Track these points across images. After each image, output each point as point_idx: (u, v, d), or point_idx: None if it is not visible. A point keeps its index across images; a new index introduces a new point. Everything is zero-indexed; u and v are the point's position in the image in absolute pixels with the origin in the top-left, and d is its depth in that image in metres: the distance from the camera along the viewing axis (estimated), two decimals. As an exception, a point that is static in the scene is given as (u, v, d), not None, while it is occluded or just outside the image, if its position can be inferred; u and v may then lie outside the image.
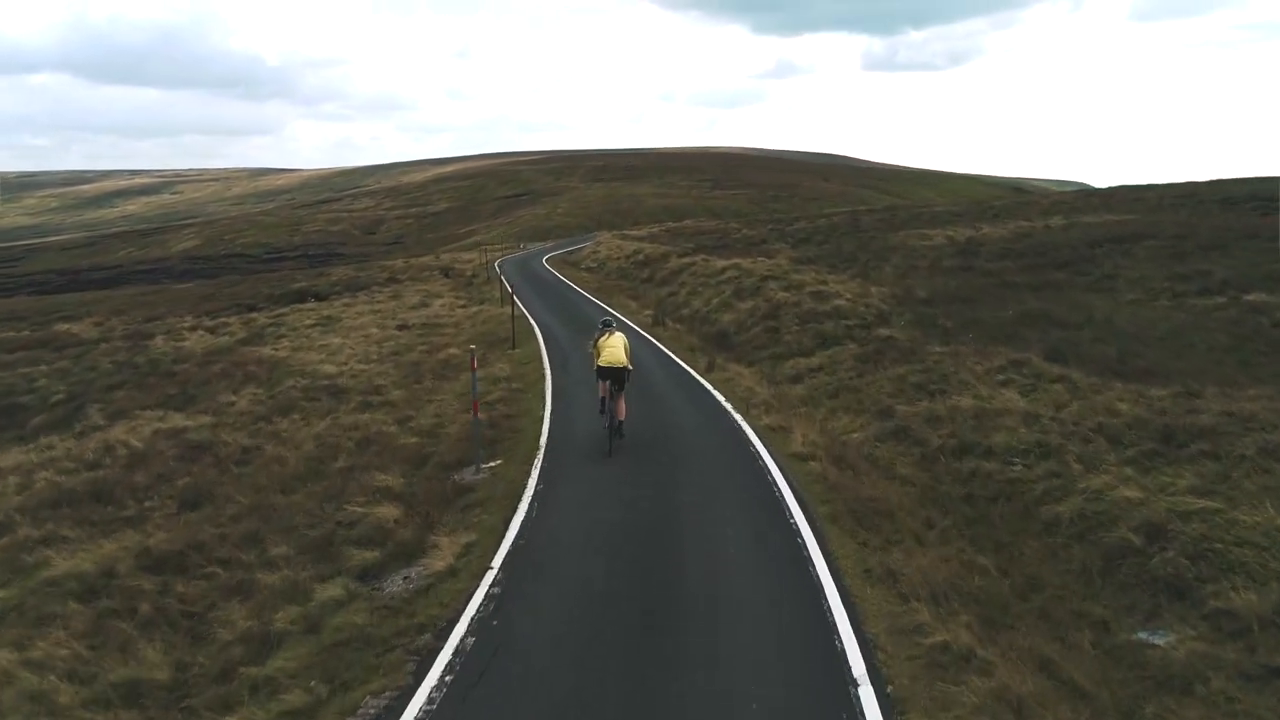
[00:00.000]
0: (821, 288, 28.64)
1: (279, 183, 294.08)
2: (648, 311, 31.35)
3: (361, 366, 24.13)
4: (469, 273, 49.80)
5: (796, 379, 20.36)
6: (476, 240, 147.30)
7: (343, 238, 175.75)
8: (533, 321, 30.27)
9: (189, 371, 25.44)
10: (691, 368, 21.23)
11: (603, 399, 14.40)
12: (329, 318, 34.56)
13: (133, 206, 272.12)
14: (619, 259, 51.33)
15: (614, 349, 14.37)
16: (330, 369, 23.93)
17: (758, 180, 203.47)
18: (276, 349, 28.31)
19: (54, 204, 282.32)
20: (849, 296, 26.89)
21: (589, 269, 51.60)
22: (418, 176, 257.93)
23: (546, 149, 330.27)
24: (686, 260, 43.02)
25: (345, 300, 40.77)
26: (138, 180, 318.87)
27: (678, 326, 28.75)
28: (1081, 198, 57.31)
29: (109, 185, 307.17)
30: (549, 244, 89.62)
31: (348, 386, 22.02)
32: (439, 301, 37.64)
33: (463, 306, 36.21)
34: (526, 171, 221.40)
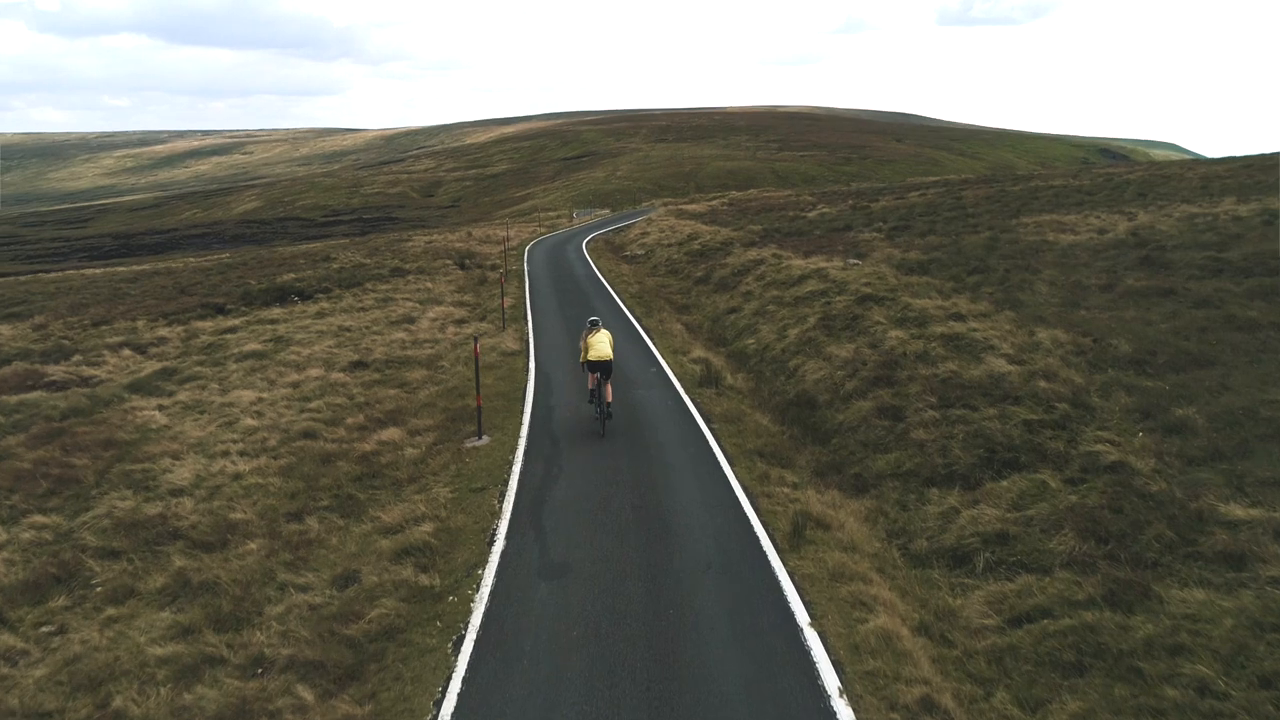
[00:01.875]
0: (956, 326, 18.52)
1: (345, 143, 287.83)
2: (697, 351, 21.47)
3: (239, 465, 14.88)
4: (490, 263, 40.32)
5: (962, 560, 10.49)
6: (532, 204, 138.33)
7: (401, 200, 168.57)
8: (532, 363, 20.68)
9: (7, 453, 16.60)
10: (759, 516, 11.43)
11: (592, 390, 15.27)
12: (279, 340, 25.45)
13: (204, 166, 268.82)
14: (671, 245, 41.38)
15: (600, 345, 15.10)
16: (189, 471, 14.72)
17: (826, 141, 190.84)
18: (164, 405, 19.30)
19: (130, 164, 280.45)
20: (1007, 349, 16.75)
21: (633, 258, 41.70)
22: (480, 137, 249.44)
23: (610, 108, 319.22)
24: (753, 255, 32.97)
25: (323, 304, 31.67)
26: (209, 140, 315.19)
27: (737, 383, 18.89)
28: (1240, 170, 45.43)
29: (182, 145, 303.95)
30: (600, 215, 79.70)
31: (186, 521, 12.80)
32: (432, 313, 28.28)
33: (458, 323, 26.81)
34: (588, 132, 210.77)
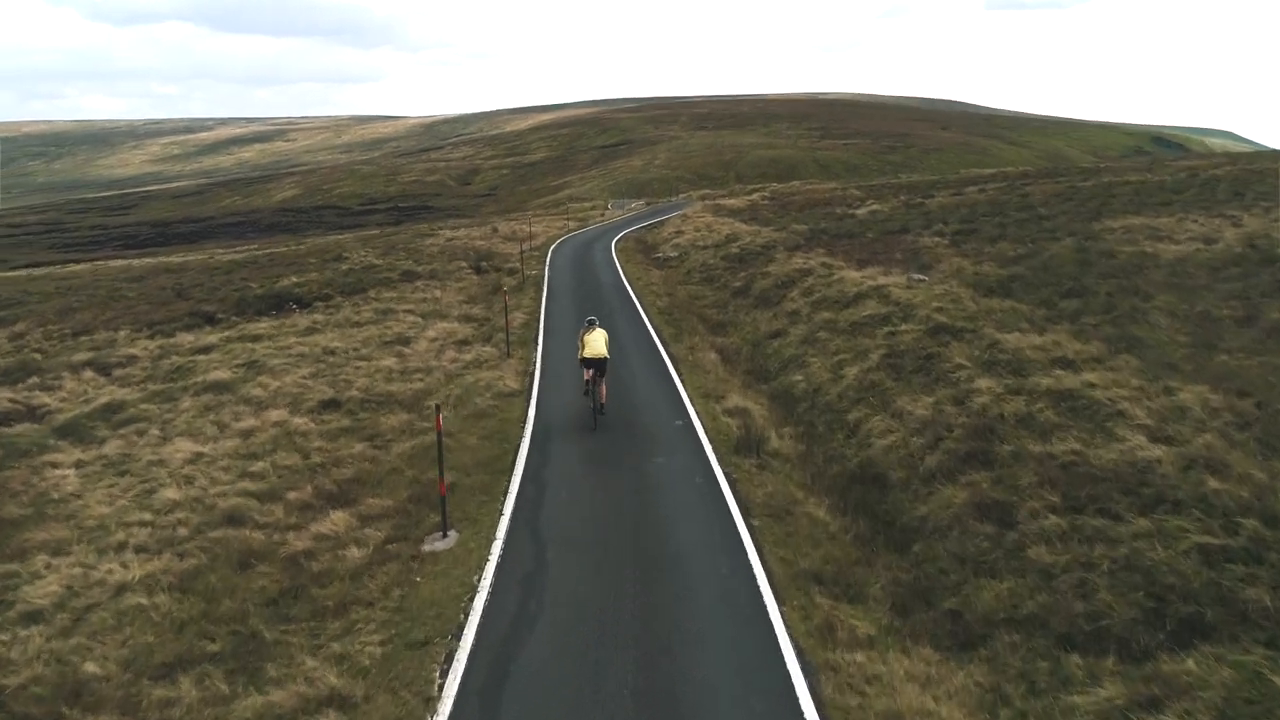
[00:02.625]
0: (1065, 378, 14.29)
1: (386, 130, 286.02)
2: (733, 396, 17.40)
3: (130, 570, 11.20)
4: (509, 265, 36.48)
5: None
6: (569, 194, 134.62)
7: (437, 188, 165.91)
8: (532, 411, 16.78)
9: None
10: (823, 717, 7.53)
11: (587, 381, 15.66)
12: (252, 365, 21.85)
13: (248, 153, 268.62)
14: (707, 247, 37.26)
15: (595, 343, 15.54)
16: (61, 580, 11.12)
17: (869, 129, 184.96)
18: (84, 461, 15.79)
19: (176, 150, 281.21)
20: (1143, 416, 12.55)
21: (665, 261, 37.61)
22: (518, 124, 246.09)
23: (649, 96, 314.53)
24: (799, 263, 28.84)
25: (317, 316, 28.02)
26: (253, 127, 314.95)
27: (784, 447, 14.83)
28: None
29: (226, 132, 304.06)
30: (634, 209, 75.69)
31: (19, 676, 9.15)
32: (433, 331, 24.56)
33: (460, 345, 23.05)
34: (626, 119, 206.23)
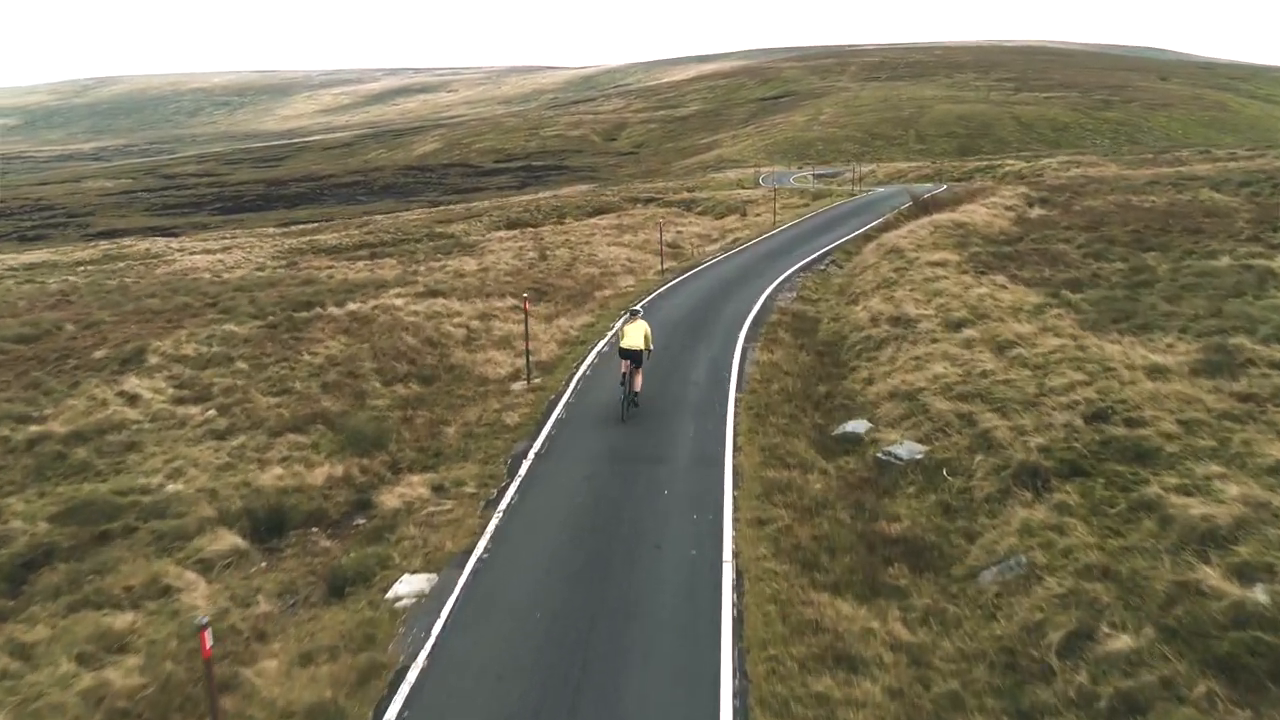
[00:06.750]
0: None
1: (544, 81, 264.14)
2: None
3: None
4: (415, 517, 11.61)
5: None
6: (718, 155, 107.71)
7: (579, 144, 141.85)
8: None
9: None
10: None
11: (623, 374, 14.80)
12: None
13: (411, 104, 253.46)
14: (1013, 444, 11.17)
15: (633, 335, 14.69)
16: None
17: (1074, 80, 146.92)
18: None
19: (345, 101, 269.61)
20: None
21: (889, 497, 11.30)
22: (676, 75, 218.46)
23: (815, 44, 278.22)
24: None
25: None
26: (419, 78, 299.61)
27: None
28: None
29: (393, 83, 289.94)
30: (790, 194, 48.26)
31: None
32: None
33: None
34: (790, 69, 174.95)
